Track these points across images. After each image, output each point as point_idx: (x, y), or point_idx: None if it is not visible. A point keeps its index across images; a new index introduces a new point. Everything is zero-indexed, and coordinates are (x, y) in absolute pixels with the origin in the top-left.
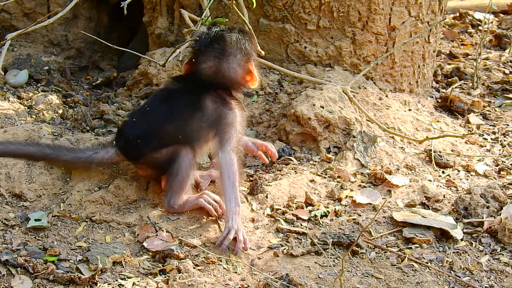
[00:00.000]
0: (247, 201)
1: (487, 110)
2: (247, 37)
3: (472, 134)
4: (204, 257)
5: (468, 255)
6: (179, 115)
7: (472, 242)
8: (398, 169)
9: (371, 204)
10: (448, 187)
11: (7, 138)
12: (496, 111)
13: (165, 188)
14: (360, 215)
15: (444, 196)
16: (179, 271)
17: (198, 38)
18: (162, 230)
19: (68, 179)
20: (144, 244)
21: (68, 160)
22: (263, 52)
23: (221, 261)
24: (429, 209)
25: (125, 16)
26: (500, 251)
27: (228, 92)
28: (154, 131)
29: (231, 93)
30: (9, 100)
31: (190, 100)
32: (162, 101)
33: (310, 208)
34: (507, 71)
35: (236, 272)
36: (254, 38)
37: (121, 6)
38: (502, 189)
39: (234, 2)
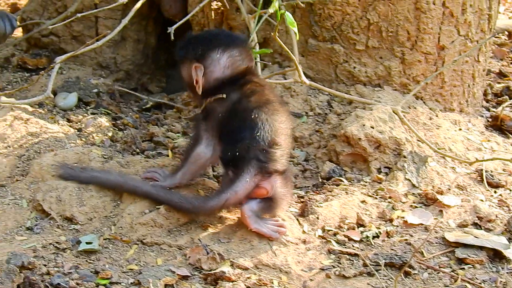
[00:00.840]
0: (298, 222)
1: None
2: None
3: None
4: (256, 279)
5: None
6: None
7: None
8: (449, 189)
9: (422, 224)
10: (500, 206)
11: (58, 161)
12: None
13: None
14: (412, 236)
15: (496, 216)
16: None
17: None
18: (214, 252)
19: (119, 202)
20: (196, 266)
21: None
22: (307, 82)
23: (273, 283)
24: (482, 229)
25: (173, 38)
26: None
27: None
28: None
29: None
30: (58, 123)
31: None
32: None
33: (361, 229)
34: None
35: None
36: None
37: (168, 31)
38: None
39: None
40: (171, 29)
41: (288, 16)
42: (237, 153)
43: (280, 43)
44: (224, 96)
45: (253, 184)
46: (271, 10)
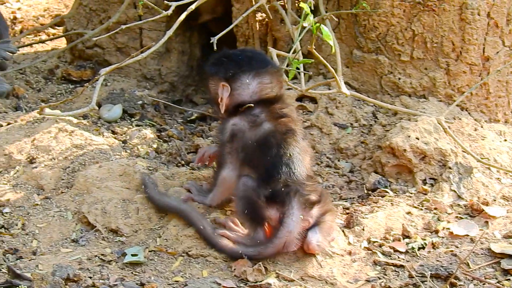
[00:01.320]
0: (344, 234)
1: None
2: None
3: None
4: None
5: None
6: None
7: None
8: (494, 200)
9: (468, 235)
10: None
11: (103, 173)
12: None
13: None
14: (457, 247)
15: None
16: None
17: None
18: (259, 264)
19: (164, 214)
20: (241, 278)
21: None
22: (348, 92)
23: None
24: None
25: (218, 50)
26: None
27: None
28: None
29: None
30: (103, 135)
31: None
32: None
33: (407, 240)
34: None
35: None
36: None
37: (211, 41)
38: None
39: (314, 45)
40: (214, 39)
41: (324, 29)
42: (281, 189)
43: (317, 55)
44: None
45: (301, 219)
46: (306, 24)
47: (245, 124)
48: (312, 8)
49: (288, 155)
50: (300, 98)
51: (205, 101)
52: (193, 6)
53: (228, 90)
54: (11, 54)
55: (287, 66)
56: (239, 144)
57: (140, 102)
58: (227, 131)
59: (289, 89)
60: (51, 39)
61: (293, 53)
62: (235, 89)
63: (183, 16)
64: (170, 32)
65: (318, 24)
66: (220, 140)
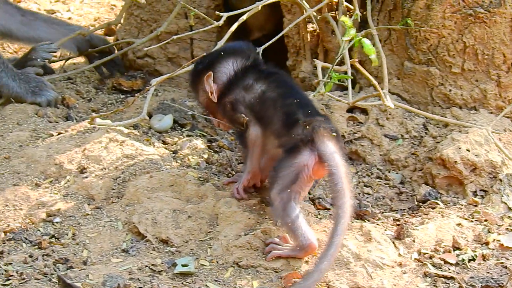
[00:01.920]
0: (394, 245)
1: None
2: None
3: None
4: None
5: None
6: None
7: None
8: None
9: None
10: None
11: (153, 183)
12: None
13: None
14: (508, 259)
15: None
16: None
17: None
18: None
19: (214, 224)
20: None
21: None
22: (392, 105)
23: None
24: None
25: (268, 60)
26: None
27: None
28: None
29: None
30: (154, 145)
31: None
32: None
33: (457, 252)
34: None
35: None
36: None
37: (257, 51)
38: None
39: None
40: (260, 49)
41: (365, 42)
42: (304, 130)
43: (360, 68)
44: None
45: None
46: (346, 38)
47: (241, 92)
48: (359, 20)
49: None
50: (351, 110)
51: None
52: (244, 17)
53: (211, 77)
54: (52, 53)
55: (329, 78)
56: (244, 110)
57: (191, 112)
58: (228, 105)
59: (337, 100)
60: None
61: (340, 64)
62: (217, 74)
63: (234, 26)
64: (221, 43)
65: (360, 38)
66: (228, 115)
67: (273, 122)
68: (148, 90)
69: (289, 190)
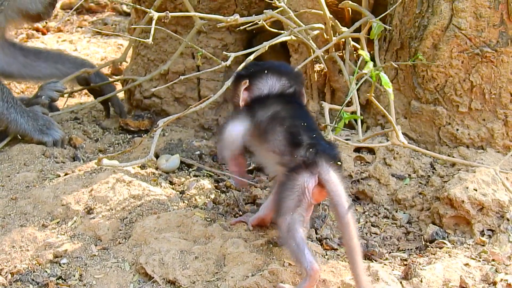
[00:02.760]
0: (402, 286)
1: None
2: None
3: None
4: None
5: None
6: None
7: None
8: None
9: None
10: None
11: (160, 224)
12: None
13: None
14: None
15: None
16: None
17: None
18: None
19: (222, 265)
20: None
21: None
22: (405, 142)
23: None
24: None
25: None
26: None
27: None
28: None
29: None
30: (161, 186)
31: None
32: None
33: None
34: None
35: None
36: None
37: (302, 82)
38: None
39: (373, 95)
40: None
41: (383, 76)
42: (306, 153)
43: (376, 103)
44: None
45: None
46: (365, 70)
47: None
48: (368, 60)
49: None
50: (358, 149)
51: None
52: (251, 57)
53: (246, 85)
54: (59, 93)
55: (339, 119)
56: (255, 120)
57: (198, 152)
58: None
59: (347, 139)
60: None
61: (347, 105)
62: (255, 84)
63: (240, 67)
64: (228, 83)
65: (377, 72)
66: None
67: (277, 139)
68: (155, 131)
69: (292, 213)
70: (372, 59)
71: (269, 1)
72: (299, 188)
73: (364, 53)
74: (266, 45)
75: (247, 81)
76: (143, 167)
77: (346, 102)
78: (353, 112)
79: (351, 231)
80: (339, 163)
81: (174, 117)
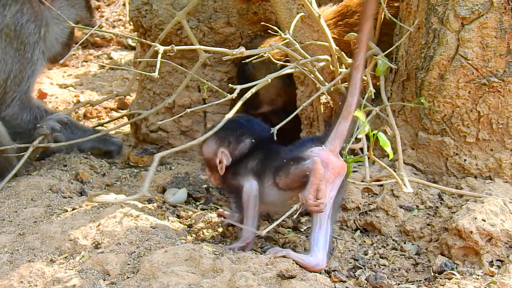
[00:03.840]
0: None
1: None
2: None
3: None
4: None
5: None
6: None
7: None
8: None
9: None
10: None
11: (168, 258)
12: None
13: None
14: None
15: None
16: None
17: None
18: None
19: None
20: None
21: None
22: (411, 190)
23: None
24: None
25: (283, 132)
26: None
27: None
28: None
29: None
30: (168, 219)
31: None
32: None
33: None
34: None
35: None
36: None
37: (271, 132)
38: None
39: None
40: (274, 130)
41: (381, 136)
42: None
43: (377, 161)
44: None
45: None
46: (361, 135)
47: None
48: (364, 121)
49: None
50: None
51: None
52: (253, 90)
53: (227, 154)
54: (61, 124)
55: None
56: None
57: (205, 185)
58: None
59: (354, 171)
60: (112, 120)
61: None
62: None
63: (245, 96)
64: (230, 114)
65: (375, 132)
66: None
67: (274, 175)
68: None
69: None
70: (378, 93)
71: (275, 33)
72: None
73: (360, 115)
74: (270, 77)
75: (226, 151)
76: (150, 201)
77: (349, 145)
78: (361, 149)
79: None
80: None
81: (173, 150)
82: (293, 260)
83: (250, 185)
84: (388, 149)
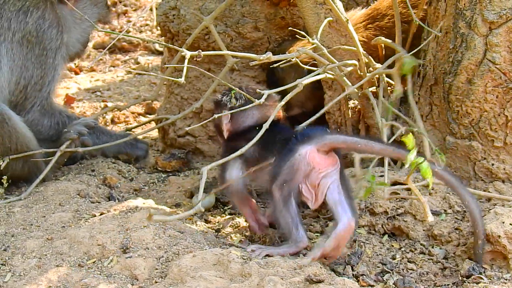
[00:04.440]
0: None
1: None
2: None
3: None
4: None
5: None
6: None
7: None
8: None
9: None
10: None
11: (197, 263)
12: None
13: None
14: None
15: None
16: None
17: None
18: None
19: None
20: None
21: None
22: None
23: None
24: None
25: None
26: None
27: None
28: None
29: None
30: (196, 224)
31: None
32: None
33: None
34: None
35: None
36: None
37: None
38: None
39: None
40: (300, 127)
41: (423, 167)
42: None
43: (413, 188)
44: None
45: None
46: (407, 163)
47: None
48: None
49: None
50: (393, 185)
51: None
52: (287, 97)
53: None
54: (88, 129)
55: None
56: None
57: None
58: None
59: (381, 176)
60: (140, 125)
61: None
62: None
63: (279, 106)
64: (266, 125)
65: (420, 160)
66: None
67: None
68: (201, 177)
69: (286, 185)
70: (406, 95)
71: (302, 38)
72: (294, 160)
73: (410, 140)
74: (299, 82)
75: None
76: (178, 205)
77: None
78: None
79: None
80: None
81: (217, 163)
82: (278, 254)
83: None
84: (429, 180)
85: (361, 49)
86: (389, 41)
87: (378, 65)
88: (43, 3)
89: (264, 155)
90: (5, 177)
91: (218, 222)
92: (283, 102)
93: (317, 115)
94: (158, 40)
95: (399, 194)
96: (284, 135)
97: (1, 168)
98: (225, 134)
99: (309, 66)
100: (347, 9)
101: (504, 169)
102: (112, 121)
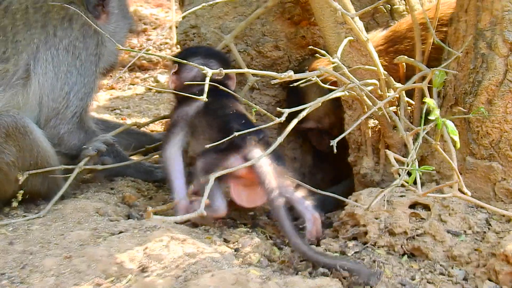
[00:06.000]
0: None
1: None
2: None
3: None
4: None
5: None
6: None
7: None
8: None
9: None
10: None
11: (215, 282)
12: None
13: None
14: None
15: None
16: None
17: None
18: None
19: None
20: None
21: None
22: (469, 194)
23: None
24: None
25: (329, 157)
26: None
27: None
28: None
29: None
30: (215, 243)
31: None
32: None
33: None
34: None
35: None
36: None
37: (330, 144)
38: None
39: (439, 143)
40: (334, 142)
41: (449, 124)
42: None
43: (440, 151)
44: None
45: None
46: (432, 117)
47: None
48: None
49: (232, 111)
50: (413, 205)
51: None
52: (303, 113)
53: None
54: (107, 145)
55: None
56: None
57: (251, 212)
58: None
59: (401, 196)
60: (159, 144)
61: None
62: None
63: (294, 122)
64: (280, 139)
65: (444, 120)
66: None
67: (210, 131)
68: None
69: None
70: (427, 114)
71: (323, 57)
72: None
73: (431, 101)
74: (320, 101)
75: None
76: (196, 224)
77: (409, 157)
78: (409, 173)
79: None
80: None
81: (226, 171)
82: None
83: None
84: (456, 138)
85: (381, 69)
86: (412, 59)
87: (398, 85)
88: (84, 13)
89: (206, 127)
90: (21, 192)
91: (237, 241)
92: (298, 119)
93: (343, 135)
94: (179, 58)
95: (419, 215)
96: (229, 117)
97: (20, 183)
98: (171, 85)
99: (329, 84)
100: (367, 29)
101: None
102: None
